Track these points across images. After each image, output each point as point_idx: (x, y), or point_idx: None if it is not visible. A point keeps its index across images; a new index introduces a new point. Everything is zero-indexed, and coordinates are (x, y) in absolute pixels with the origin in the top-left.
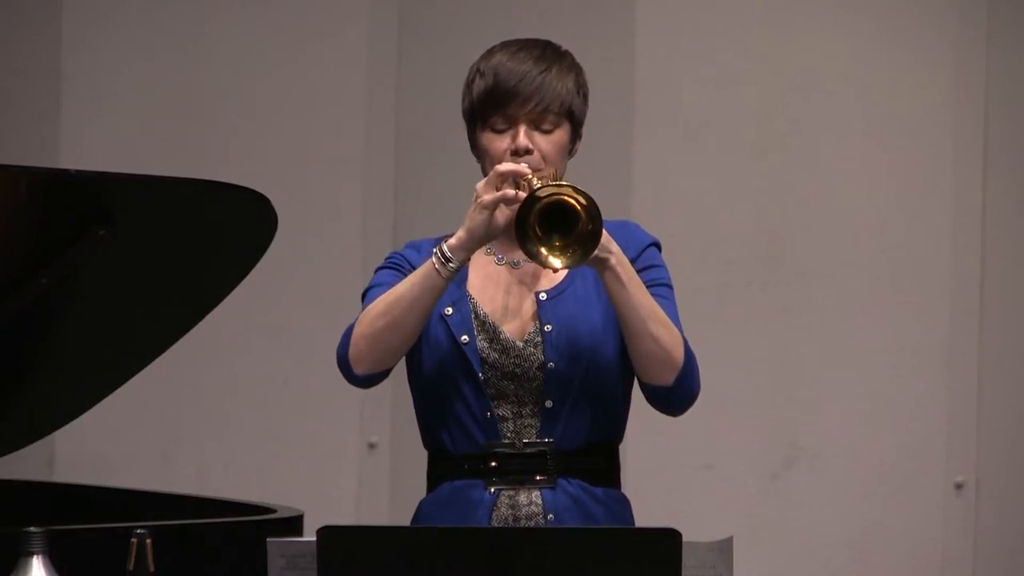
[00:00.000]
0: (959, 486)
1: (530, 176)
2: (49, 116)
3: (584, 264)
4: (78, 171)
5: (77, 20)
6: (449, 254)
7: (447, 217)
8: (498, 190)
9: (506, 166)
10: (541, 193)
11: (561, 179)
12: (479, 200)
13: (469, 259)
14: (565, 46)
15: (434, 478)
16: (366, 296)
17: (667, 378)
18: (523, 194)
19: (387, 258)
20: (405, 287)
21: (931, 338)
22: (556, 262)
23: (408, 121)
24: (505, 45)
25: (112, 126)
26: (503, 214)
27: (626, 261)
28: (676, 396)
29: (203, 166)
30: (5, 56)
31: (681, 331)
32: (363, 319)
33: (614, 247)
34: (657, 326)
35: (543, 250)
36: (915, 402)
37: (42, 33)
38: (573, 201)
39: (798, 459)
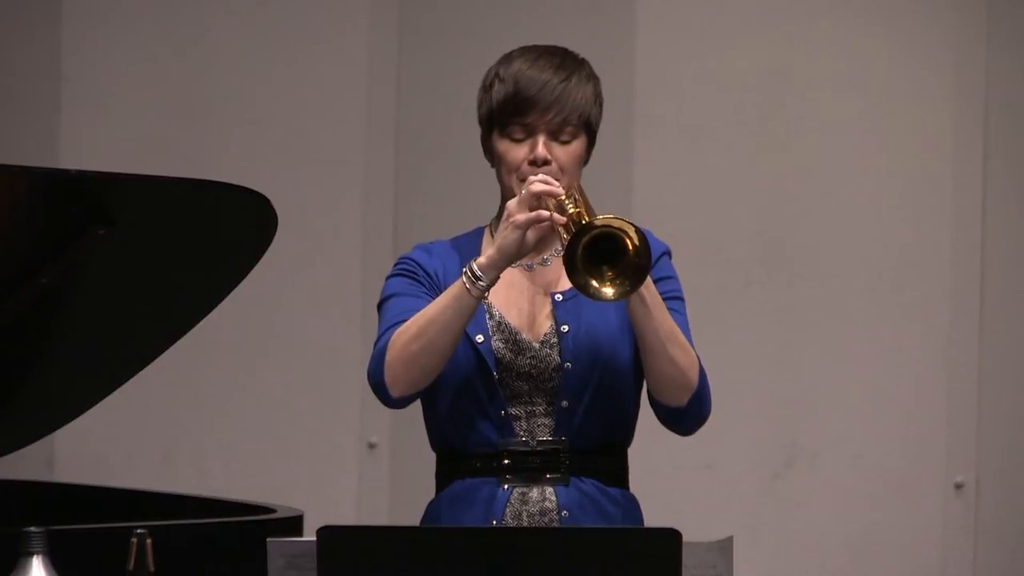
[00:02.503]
0: (959, 486)
1: (563, 197)
2: (49, 116)
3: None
4: (78, 171)
5: (77, 20)
6: (480, 273)
7: (447, 217)
8: (531, 210)
9: (539, 187)
10: (597, 222)
11: (578, 189)
12: (512, 220)
13: (498, 278)
14: (565, 47)
15: (444, 477)
16: (384, 307)
17: (681, 399)
18: (558, 216)
19: (397, 264)
20: (436, 309)
21: (931, 338)
22: (609, 292)
23: (408, 121)
24: (524, 51)
25: (112, 126)
26: (534, 233)
27: (651, 284)
28: (688, 417)
29: (203, 166)
30: (5, 56)
31: (692, 345)
32: (395, 343)
33: None
34: (676, 348)
35: (594, 283)
36: (915, 402)
37: (42, 33)
38: (622, 234)
39: (798, 459)
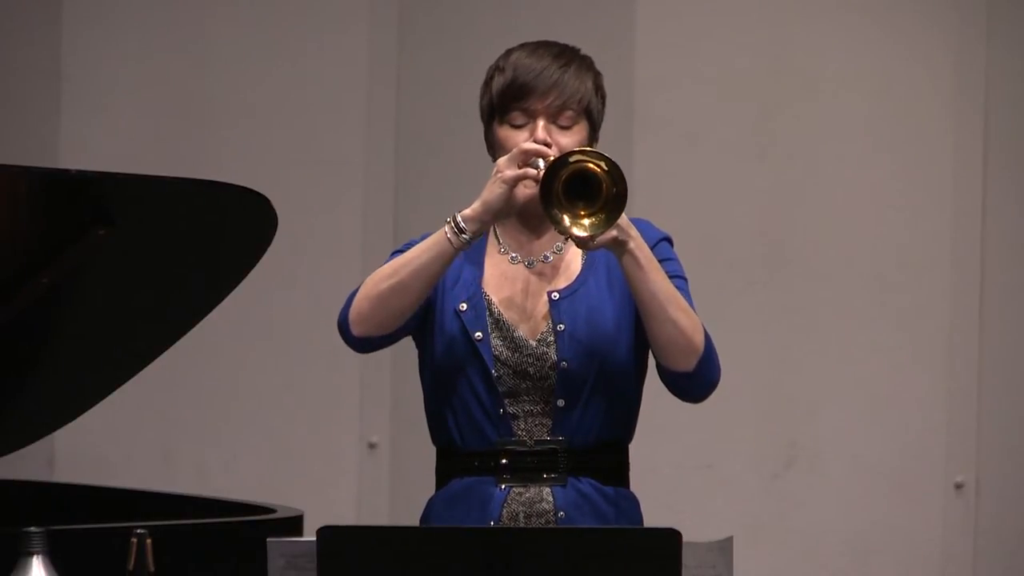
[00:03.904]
0: (959, 486)
1: (552, 158)
2: (49, 116)
3: (605, 242)
4: (78, 171)
5: (77, 20)
6: (463, 224)
7: (447, 217)
8: (520, 167)
9: (530, 144)
10: (571, 159)
11: None
12: (500, 175)
13: (482, 232)
14: (567, 43)
15: (443, 474)
16: None
17: (688, 364)
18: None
19: (405, 244)
20: (415, 252)
21: (931, 338)
22: (579, 231)
23: (408, 121)
24: (524, 45)
25: (112, 126)
26: (522, 192)
27: (645, 246)
28: (696, 382)
29: (203, 166)
30: (5, 56)
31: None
32: (368, 281)
33: (634, 231)
34: (677, 311)
35: (566, 218)
36: (915, 402)
37: (42, 33)
38: (597, 167)
39: (798, 459)
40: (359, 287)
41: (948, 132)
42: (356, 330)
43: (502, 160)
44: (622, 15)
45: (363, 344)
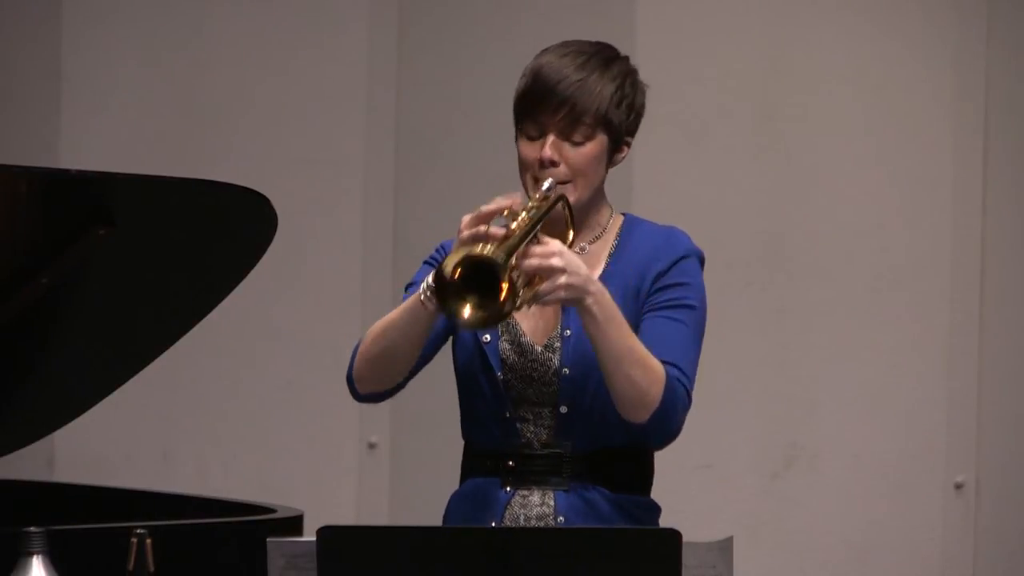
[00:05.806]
0: (959, 486)
1: (517, 209)
2: (49, 116)
3: (560, 299)
4: (78, 171)
5: (77, 20)
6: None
7: (447, 217)
8: (479, 225)
9: (490, 206)
10: (450, 264)
11: (594, 189)
12: (460, 235)
13: None
14: (609, 43)
15: (464, 471)
16: (405, 293)
17: (640, 416)
18: (496, 229)
19: (436, 249)
20: (397, 314)
21: (931, 338)
22: (463, 316)
23: (408, 121)
24: (561, 45)
25: (112, 126)
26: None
27: (606, 301)
28: (651, 433)
29: (203, 166)
30: (5, 56)
31: (685, 360)
32: (365, 339)
33: (593, 287)
34: (632, 367)
35: (450, 303)
36: (915, 402)
37: (42, 33)
38: (499, 274)
39: (798, 459)
40: (360, 342)
41: (948, 132)
42: (361, 389)
43: (465, 219)
44: (622, 15)
45: (371, 399)
